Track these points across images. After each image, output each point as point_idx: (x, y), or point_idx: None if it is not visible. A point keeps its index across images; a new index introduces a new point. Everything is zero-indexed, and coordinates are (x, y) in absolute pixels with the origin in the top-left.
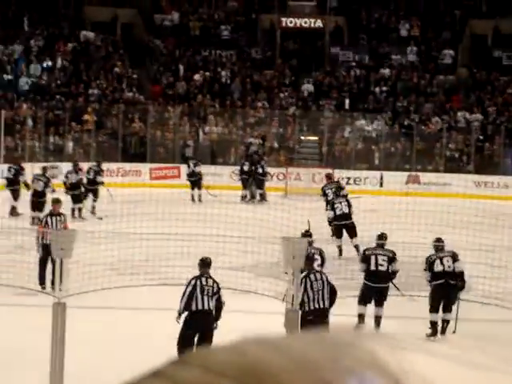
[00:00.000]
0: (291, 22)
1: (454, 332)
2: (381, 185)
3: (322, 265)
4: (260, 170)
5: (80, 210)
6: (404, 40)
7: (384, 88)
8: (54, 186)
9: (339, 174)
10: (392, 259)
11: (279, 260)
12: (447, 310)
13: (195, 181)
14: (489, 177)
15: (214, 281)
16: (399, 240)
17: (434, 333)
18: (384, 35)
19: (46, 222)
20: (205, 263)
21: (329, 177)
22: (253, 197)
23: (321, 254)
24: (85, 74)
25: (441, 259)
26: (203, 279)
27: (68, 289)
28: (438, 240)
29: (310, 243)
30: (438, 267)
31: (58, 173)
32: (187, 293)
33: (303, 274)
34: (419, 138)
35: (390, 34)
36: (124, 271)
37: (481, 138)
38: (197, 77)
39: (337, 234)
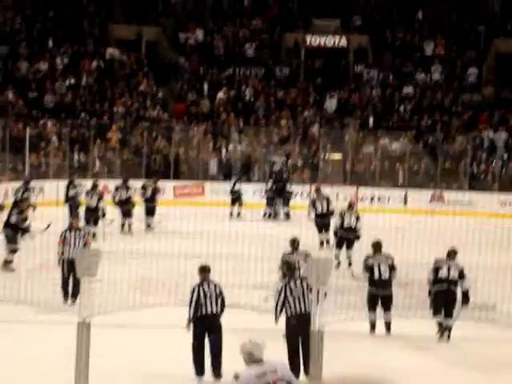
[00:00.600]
0: (315, 41)
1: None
2: (405, 203)
3: None
4: (288, 188)
5: (130, 225)
6: (428, 59)
7: (408, 106)
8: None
9: (364, 192)
10: (392, 266)
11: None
12: (449, 315)
13: (234, 198)
14: None
15: (215, 284)
16: (424, 260)
17: (442, 333)
18: (408, 54)
19: (65, 237)
20: (204, 269)
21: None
22: (276, 214)
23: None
24: (109, 91)
25: (448, 269)
26: (205, 285)
27: (93, 308)
28: (451, 252)
29: (294, 251)
30: (443, 274)
31: (82, 190)
32: (193, 301)
33: (284, 282)
34: (444, 156)
35: (414, 53)
36: (148, 290)
37: (505, 156)
38: (221, 95)
39: (339, 244)
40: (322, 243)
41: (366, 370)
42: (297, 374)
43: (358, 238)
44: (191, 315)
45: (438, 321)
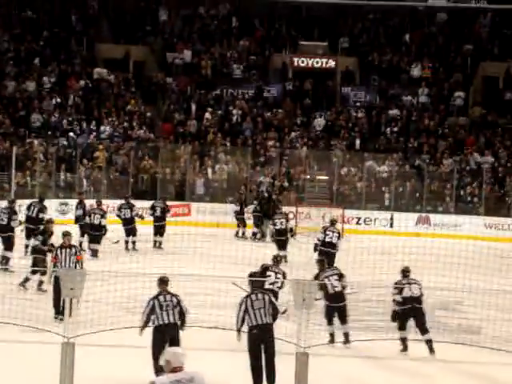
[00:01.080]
0: (303, 62)
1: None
2: (391, 225)
3: (280, 287)
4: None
5: (134, 242)
6: (415, 81)
7: (395, 129)
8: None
9: (350, 214)
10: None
11: (288, 301)
12: (424, 331)
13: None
14: (499, 219)
15: (173, 295)
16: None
17: (404, 348)
18: (395, 76)
19: (57, 254)
20: (163, 281)
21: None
22: (263, 235)
23: (283, 275)
24: (96, 111)
25: (409, 286)
26: (161, 297)
27: (77, 328)
28: (406, 269)
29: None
30: (406, 293)
31: (68, 209)
32: (146, 313)
33: (246, 294)
34: (430, 179)
35: (401, 75)
36: (134, 310)
37: (491, 180)
38: (207, 115)
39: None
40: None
41: None
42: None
43: (336, 251)
44: (142, 324)
45: (401, 337)
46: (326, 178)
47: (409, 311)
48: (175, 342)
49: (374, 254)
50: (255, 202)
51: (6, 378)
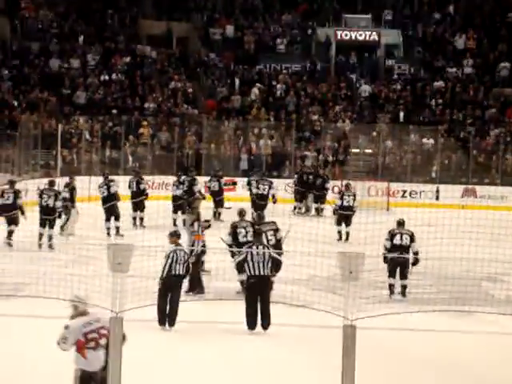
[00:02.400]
0: (346, 35)
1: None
2: (437, 198)
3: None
4: (326, 185)
5: (142, 219)
6: (460, 53)
7: (439, 101)
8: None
9: (395, 187)
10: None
11: (334, 274)
12: (404, 277)
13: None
14: None
15: (185, 251)
16: (456, 255)
17: (391, 293)
18: (439, 48)
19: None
20: (176, 235)
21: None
22: (307, 210)
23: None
24: (140, 87)
25: (401, 235)
26: (178, 251)
27: (124, 303)
28: (400, 221)
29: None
30: (397, 240)
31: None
32: (168, 264)
33: (249, 245)
34: (475, 150)
35: (445, 47)
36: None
37: None
38: (255, 90)
39: (338, 221)
40: (340, 237)
41: (396, 363)
42: (254, 327)
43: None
44: (163, 275)
45: (390, 283)
46: (371, 151)
47: (396, 258)
48: (179, 292)
49: (420, 226)
50: (295, 175)
51: (52, 355)
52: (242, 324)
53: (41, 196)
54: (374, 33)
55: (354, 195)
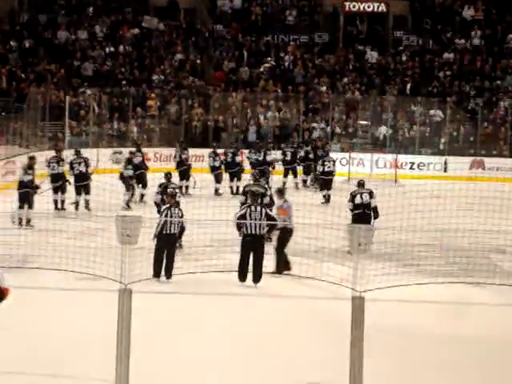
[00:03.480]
0: (354, 7)
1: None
2: (445, 170)
3: (270, 205)
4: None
5: (187, 187)
6: (468, 24)
7: (448, 72)
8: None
9: (403, 159)
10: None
11: (343, 246)
12: None
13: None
14: None
15: (179, 209)
16: (464, 227)
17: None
18: (448, 19)
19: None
20: (172, 195)
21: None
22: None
23: (271, 196)
24: (148, 59)
25: (361, 194)
26: (172, 209)
27: (133, 275)
28: (360, 182)
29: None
30: (357, 200)
31: (122, 158)
32: (161, 222)
33: (246, 205)
34: (484, 122)
35: (454, 18)
36: (188, 257)
37: None
38: (267, 65)
39: (322, 186)
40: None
41: (408, 336)
42: (243, 279)
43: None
44: (157, 232)
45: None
46: (386, 129)
47: (359, 215)
48: (173, 250)
49: (428, 198)
50: (306, 147)
51: (62, 327)
52: (252, 296)
53: (71, 166)
54: (383, 4)
55: (334, 161)
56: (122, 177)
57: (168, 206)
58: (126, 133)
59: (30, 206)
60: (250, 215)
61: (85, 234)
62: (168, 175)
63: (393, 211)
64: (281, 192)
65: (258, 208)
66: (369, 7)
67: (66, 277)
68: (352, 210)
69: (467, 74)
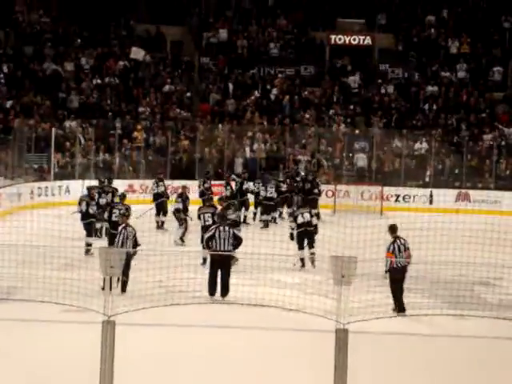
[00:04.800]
0: (340, 40)
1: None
2: (430, 202)
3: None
4: (315, 191)
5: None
6: (453, 57)
7: (433, 105)
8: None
9: (389, 191)
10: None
11: (328, 278)
12: (311, 246)
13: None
14: None
15: (133, 228)
16: (449, 259)
17: (303, 265)
18: (433, 52)
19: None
20: (126, 215)
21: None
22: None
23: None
24: (134, 91)
25: (302, 214)
26: (129, 228)
27: (117, 306)
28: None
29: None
30: (300, 220)
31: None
32: (120, 241)
33: (215, 225)
34: (469, 154)
35: (439, 51)
36: (173, 288)
37: None
38: (253, 97)
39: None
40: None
41: (389, 368)
42: (213, 294)
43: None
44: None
45: (300, 256)
46: (364, 155)
47: (302, 233)
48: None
49: (414, 230)
50: (287, 180)
51: (45, 358)
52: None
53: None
54: (368, 37)
55: (278, 186)
56: (174, 212)
57: (124, 225)
58: (112, 164)
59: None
60: (220, 235)
61: (69, 265)
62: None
63: (377, 243)
64: (393, 228)
65: (227, 228)
66: (354, 40)
67: (50, 308)
68: (295, 229)
69: (452, 107)
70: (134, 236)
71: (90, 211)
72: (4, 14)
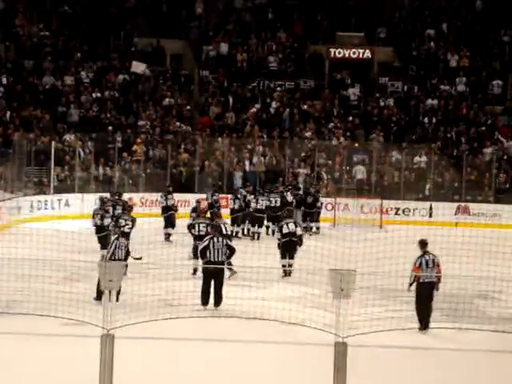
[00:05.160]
0: (339, 53)
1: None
2: (430, 215)
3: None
4: (318, 204)
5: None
6: (453, 70)
7: (433, 118)
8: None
9: (388, 205)
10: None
11: (327, 292)
12: (292, 257)
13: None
14: None
15: (125, 240)
16: (448, 272)
17: (285, 274)
18: (433, 66)
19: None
20: (118, 227)
21: None
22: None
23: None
24: (134, 104)
25: (287, 224)
26: (121, 239)
27: (116, 320)
28: (284, 214)
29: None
30: (285, 229)
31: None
32: (111, 251)
33: (209, 236)
34: (468, 168)
35: (438, 65)
36: (172, 302)
37: None
38: (254, 110)
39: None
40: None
41: (388, 382)
42: (206, 304)
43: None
44: (106, 259)
45: (283, 264)
46: (363, 168)
47: (286, 243)
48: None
49: (413, 243)
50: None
51: (44, 372)
52: (235, 342)
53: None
54: (368, 50)
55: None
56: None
57: (116, 236)
58: (112, 178)
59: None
60: (214, 246)
61: (68, 279)
62: None
63: (377, 256)
64: (422, 243)
65: (220, 239)
66: (354, 53)
67: (49, 322)
68: (280, 239)
69: (452, 120)
70: (126, 247)
71: (105, 223)
72: (4, 27)
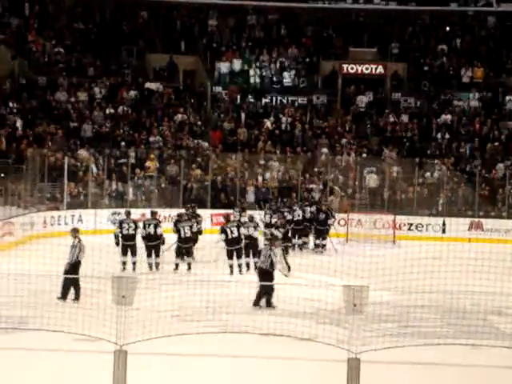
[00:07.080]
0: (352, 69)
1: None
2: (443, 231)
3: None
4: (329, 221)
5: None
6: (466, 86)
7: (446, 134)
8: None
9: (401, 220)
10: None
11: (340, 307)
12: (239, 257)
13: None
14: None
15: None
16: (462, 288)
17: (231, 272)
18: (446, 81)
19: None
20: (75, 230)
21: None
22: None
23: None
24: (147, 121)
25: (231, 230)
26: (81, 241)
27: (129, 336)
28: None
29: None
30: (229, 235)
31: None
32: (76, 253)
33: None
34: (482, 184)
35: (451, 80)
36: (185, 318)
37: None
38: (268, 124)
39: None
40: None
41: None
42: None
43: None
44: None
45: (230, 264)
46: (375, 176)
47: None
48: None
49: (426, 259)
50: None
51: None
52: (248, 357)
53: (121, 226)
54: (381, 66)
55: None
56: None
57: (77, 239)
58: (124, 194)
59: None
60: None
61: (81, 294)
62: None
63: (390, 272)
64: None
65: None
66: (367, 69)
67: (62, 338)
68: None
69: (465, 136)
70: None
71: (158, 232)
72: (18, 43)
